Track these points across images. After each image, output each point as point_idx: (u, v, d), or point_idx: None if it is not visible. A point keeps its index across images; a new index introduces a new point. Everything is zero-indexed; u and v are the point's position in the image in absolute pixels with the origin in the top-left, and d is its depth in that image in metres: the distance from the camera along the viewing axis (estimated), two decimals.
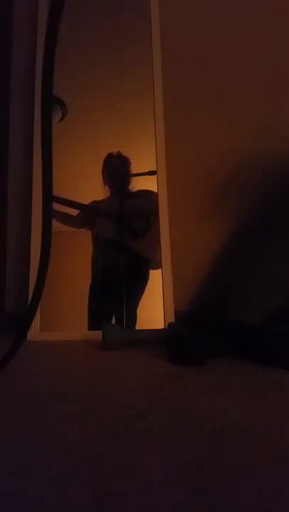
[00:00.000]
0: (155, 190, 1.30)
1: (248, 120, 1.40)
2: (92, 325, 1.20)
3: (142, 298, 1.26)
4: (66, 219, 1.28)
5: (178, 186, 1.35)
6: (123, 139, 1.33)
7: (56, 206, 1.25)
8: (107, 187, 1.31)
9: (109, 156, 1.32)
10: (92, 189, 1.32)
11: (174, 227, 1.29)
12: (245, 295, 1.33)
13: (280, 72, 1.41)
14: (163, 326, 1.18)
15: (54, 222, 1.09)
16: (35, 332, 1.16)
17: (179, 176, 1.36)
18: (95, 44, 1.38)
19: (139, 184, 1.32)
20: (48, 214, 0.53)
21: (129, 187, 1.31)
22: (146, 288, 1.27)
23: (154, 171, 1.30)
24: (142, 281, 1.27)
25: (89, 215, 1.30)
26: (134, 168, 1.32)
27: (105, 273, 1.27)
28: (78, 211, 1.30)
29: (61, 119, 1.32)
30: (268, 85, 1.41)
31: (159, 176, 1.30)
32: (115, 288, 1.24)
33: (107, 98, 1.36)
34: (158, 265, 1.26)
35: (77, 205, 1.29)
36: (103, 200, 1.31)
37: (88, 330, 1.19)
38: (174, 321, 1.19)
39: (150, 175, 1.30)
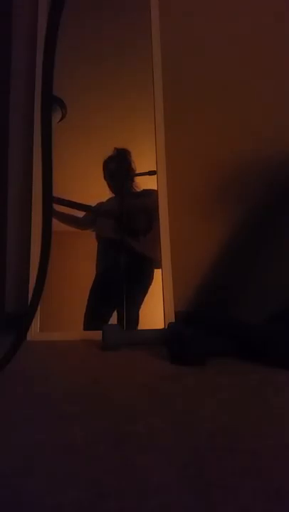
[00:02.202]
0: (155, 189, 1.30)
1: (248, 120, 1.40)
2: (89, 325, 1.20)
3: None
4: (72, 221, 1.28)
5: (178, 186, 1.34)
6: (123, 139, 1.33)
7: (59, 208, 1.26)
8: (110, 190, 1.31)
9: (107, 159, 1.32)
10: (92, 189, 1.32)
11: (174, 227, 1.29)
12: (245, 295, 1.33)
13: (281, 72, 1.41)
14: (163, 326, 1.18)
15: (54, 222, 1.08)
16: (35, 332, 1.15)
17: (179, 176, 1.35)
18: (95, 44, 1.37)
19: (141, 183, 1.32)
20: (48, 214, 0.53)
21: (132, 187, 1.31)
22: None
23: (154, 171, 1.30)
24: (144, 281, 1.26)
25: (94, 216, 1.30)
26: (135, 165, 1.32)
27: (107, 273, 1.27)
28: (84, 213, 1.30)
29: (61, 119, 1.32)
30: (268, 86, 1.40)
31: (159, 176, 1.30)
32: (117, 288, 1.24)
33: (107, 98, 1.36)
34: (157, 264, 1.26)
35: (77, 206, 1.29)
36: (107, 200, 1.31)
37: (84, 330, 1.19)
38: (174, 321, 1.19)
39: (150, 175, 1.30)
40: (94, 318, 1.22)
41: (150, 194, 1.30)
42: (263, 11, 1.43)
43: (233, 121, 1.39)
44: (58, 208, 1.26)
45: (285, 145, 1.37)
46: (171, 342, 0.88)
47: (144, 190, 1.31)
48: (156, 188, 1.30)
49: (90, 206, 1.29)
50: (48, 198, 0.52)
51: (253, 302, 1.31)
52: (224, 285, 1.35)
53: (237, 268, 1.35)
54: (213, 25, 1.42)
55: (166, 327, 1.14)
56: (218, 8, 1.43)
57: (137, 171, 1.32)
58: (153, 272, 1.26)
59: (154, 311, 1.22)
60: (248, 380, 0.70)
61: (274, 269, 1.33)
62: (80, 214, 1.30)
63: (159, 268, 1.25)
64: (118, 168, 1.31)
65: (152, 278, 1.26)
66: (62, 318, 1.22)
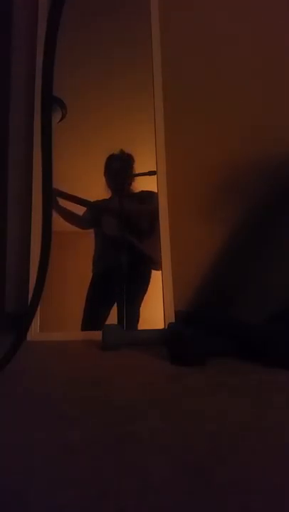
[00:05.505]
0: (156, 190, 1.30)
1: (248, 120, 1.39)
2: (89, 325, 1.20)
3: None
4: (73, 218, 1.28)
5: (178, 186, 1.34)
6: (123, 139, 1.33)
7: (65, 204, 1.26)
8: (109, 188, 1.31)
9: (110, 157, 1.31)
10: (92, 189, 1.32)
11: (174, 227, 1.29)
12: (245, 295, 1.33)
13: (281, 72, 1.41)
14: (163, 326, 1.18)
15: (54, 221, 1.08)
16: (35, 332, 1.15)
17: (179, 176, 1.35)
18: (95, 44, 1.37)
19: (140, 185, 1.31)
20: (48, 214, 0.53)
21: (132, 188, 1.31)
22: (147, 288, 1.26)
23: (154, 171, 1.30)
24: (144, 281, 1.27)
25: (95, 215, 1.30)
26: (135, 168, 1.32)
27: (108, 271, 1.26)
28: (84, 211, 1.30)
29: (61, 119, 1.32)
30: (268, 85, 1.40)
31: (159, 176, 1.30)
32: (118, 287, 1.23)
33: (107, 98, 1.36)
34: (159, 266, 1.26)
35: (86, 203, 1.29)
36: (107, 199, 1.30)
37: (82, 330, 1.19)
38: (174, 321, 1.19)
39: (150, 175, 1.30)
40: (94, 317, 1.22)
41: (151, 196, 1.30)
42: (263, 11, 1.43)
43: (233, 122, 1.39)
44: (62, 203, 1.26)
45: (285, 145, 1.37)
46: (171, 342, 0.88)
47: (141, 191, 1.31)
48: (154, 190, 1.29)
49: (92, 202, 1.29)
50: (48, 198, 0.52)
51: (253, 302, 1.31)
52: (224, 285, 1.35)
53: (237, 268, 1.35)
54: (213, 26, 1.42)
55: (166, 327, 1.14)
56: (218, 9, 1.43)
57: (137, 171, 1.31)
58: (151, 272, 1.26)
59: (154, 311, 1.22)
60: (248, 380, 0.70)
61: (274, 269, 1.33)
62: (80, 211, 1.29)
63: (157, 269, 1.25)
64: (122, 168, 1.31)
65: (150, 278, 1.26)
66: (62, 318, 1.22)
